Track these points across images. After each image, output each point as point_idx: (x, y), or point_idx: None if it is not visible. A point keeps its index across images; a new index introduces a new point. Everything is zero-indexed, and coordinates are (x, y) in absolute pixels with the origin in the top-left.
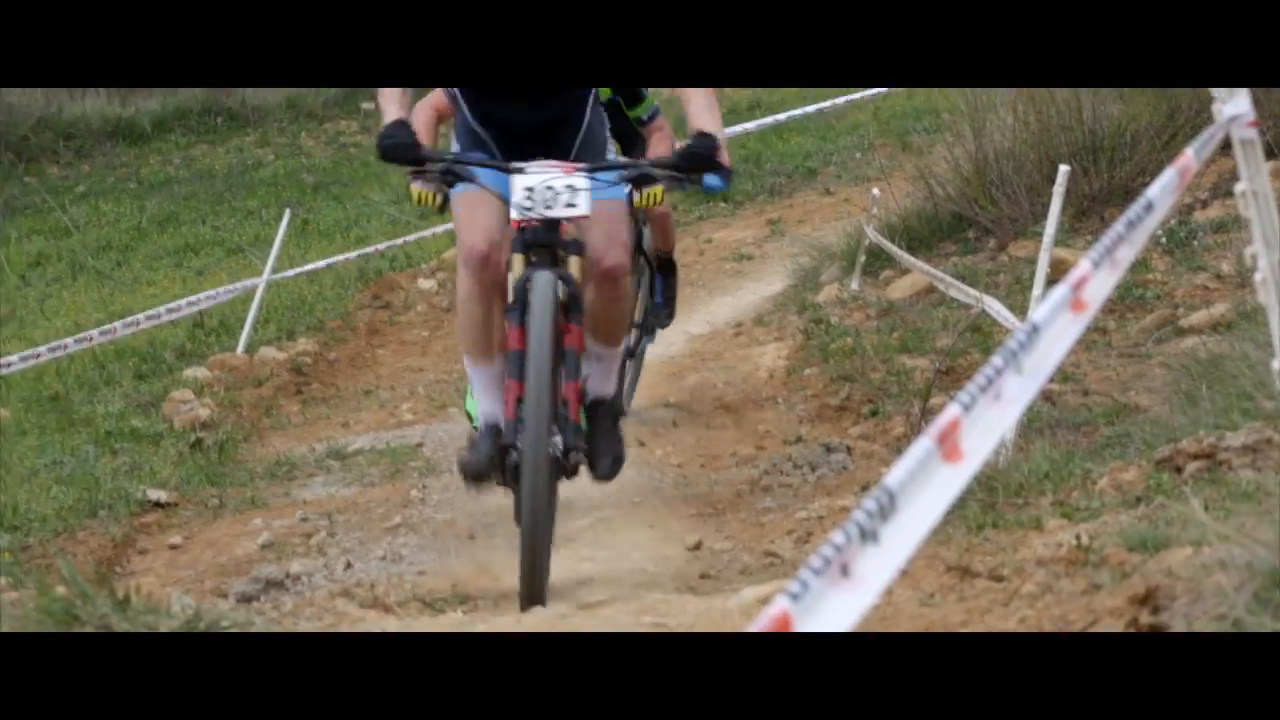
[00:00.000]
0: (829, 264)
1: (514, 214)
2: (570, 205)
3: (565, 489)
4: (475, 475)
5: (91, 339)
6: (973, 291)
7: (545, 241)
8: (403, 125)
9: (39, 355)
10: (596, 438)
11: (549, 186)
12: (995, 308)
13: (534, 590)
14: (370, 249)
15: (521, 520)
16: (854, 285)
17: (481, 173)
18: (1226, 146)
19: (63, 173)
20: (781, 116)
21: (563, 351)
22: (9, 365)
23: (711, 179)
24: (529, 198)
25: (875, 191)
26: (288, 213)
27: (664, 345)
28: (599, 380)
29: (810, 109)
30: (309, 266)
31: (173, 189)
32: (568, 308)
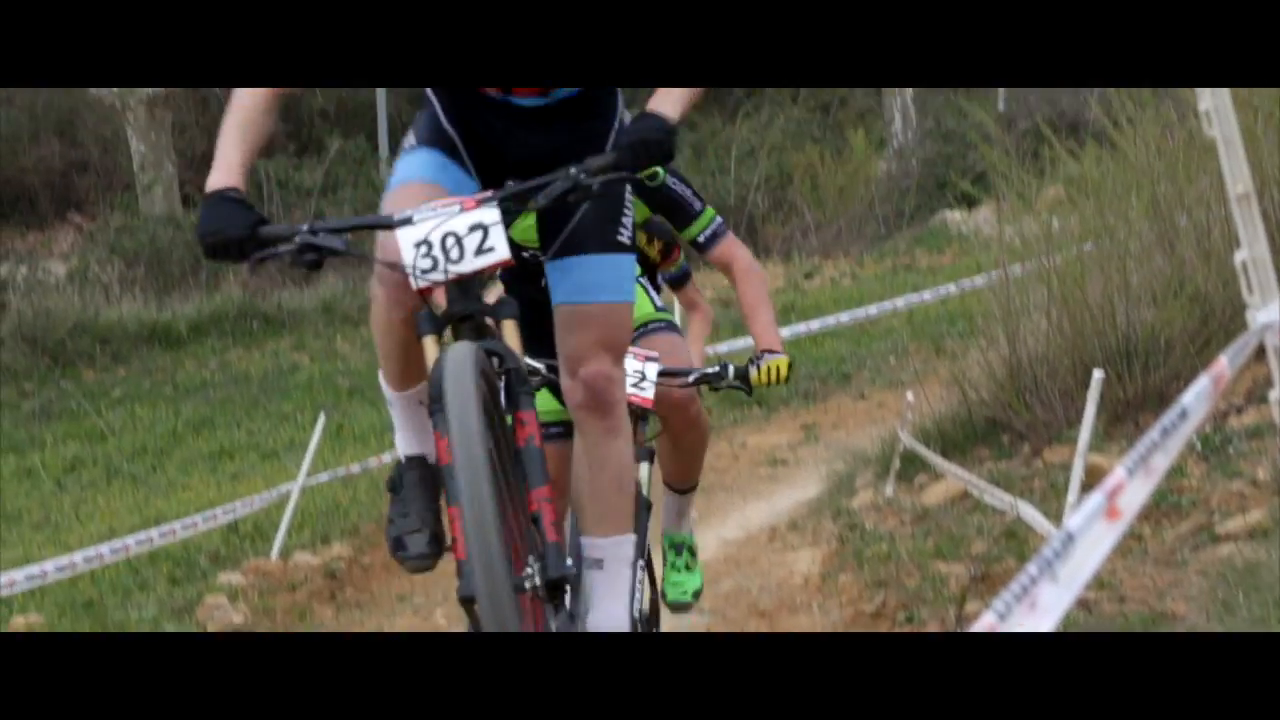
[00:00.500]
0: (863, 469)
1: (415, 283)
2: (484, 251)
3: None
4: (414, 569)
5: (128, 548)
6: (1007, 497)
7: (463, 311)
8: (226, 201)
9: (75, 565)
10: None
11: (449, 233)
12: (1030, 514)
13: None
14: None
15: None
16: (888, 490)
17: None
18: (1261, 353)
19: (99, 377)
20: (815, 324)
21: (516, 452)
22: (44, 576)
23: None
24: (427, 254)
25: (909, 396)
26: (322, 417)
27: (699, 550)
28: (604, 599)
29: (844, 316)
30: (343, 470)
31: (208, 393)
32: (511, 390)
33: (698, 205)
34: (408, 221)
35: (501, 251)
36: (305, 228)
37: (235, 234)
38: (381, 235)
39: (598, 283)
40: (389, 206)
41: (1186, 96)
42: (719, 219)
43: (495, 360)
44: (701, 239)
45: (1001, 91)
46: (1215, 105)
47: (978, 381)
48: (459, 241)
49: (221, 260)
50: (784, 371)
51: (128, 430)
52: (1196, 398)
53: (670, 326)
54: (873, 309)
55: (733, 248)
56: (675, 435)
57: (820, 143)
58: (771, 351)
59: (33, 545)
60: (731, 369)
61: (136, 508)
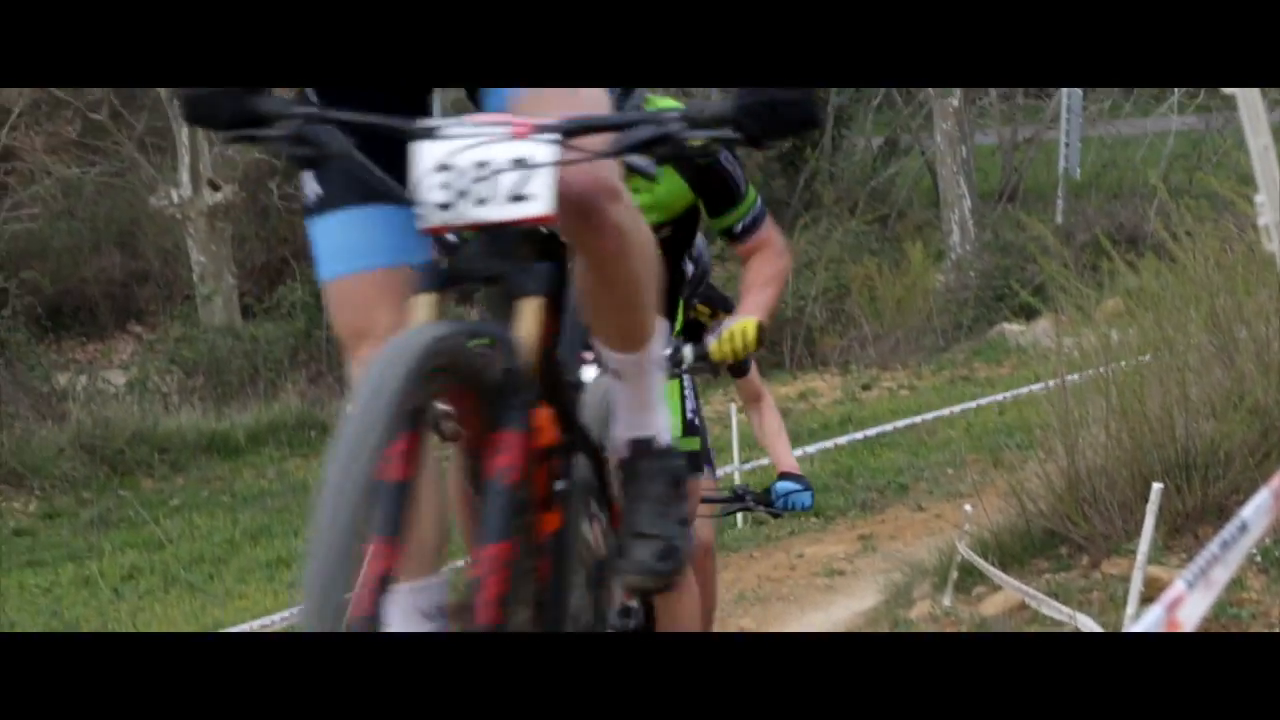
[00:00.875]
0: (921, 580)
1: (421, 220)
2: (520, 197)
3: None
4: None
5: None
6: (1066, 609)
7: (483, 270)
8: None
9: None
10: (634, 509)
11: (482, 161)
12: (1089, 626)
13: None
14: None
15: None
16: (946, 601)
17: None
18: None
19: (157, 485)
20: (872, 431)
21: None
22: None
23: (799, 495)
24: (445, 184)
25: (967, 507)
26: None
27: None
28: (629, 411)
29: (901, 423)
30: None
31: (265, 502)
32: (501, 399)
33: (744, 186)
34: (429, 134)
35: (542, 203)
36: (303, 111)
37: (221, 97)
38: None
39: None
40: (338, 308)
41: (1245, 210)
42: (760, 201)
43: (487, 354)
44: (740, 227)
45: (1060, 204)
46: (1275, 220)
47: (1036, 493)
48: (493, 178)
49: (201, 125)
50: (751, 335)
51: (185, 538)
52: (1257, 511)
53: (694, 463)
54: (929, 415)
55: (772, 231)
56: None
57: (878, 255)
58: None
59: None
60: (690, 351)
61: (193, 616)
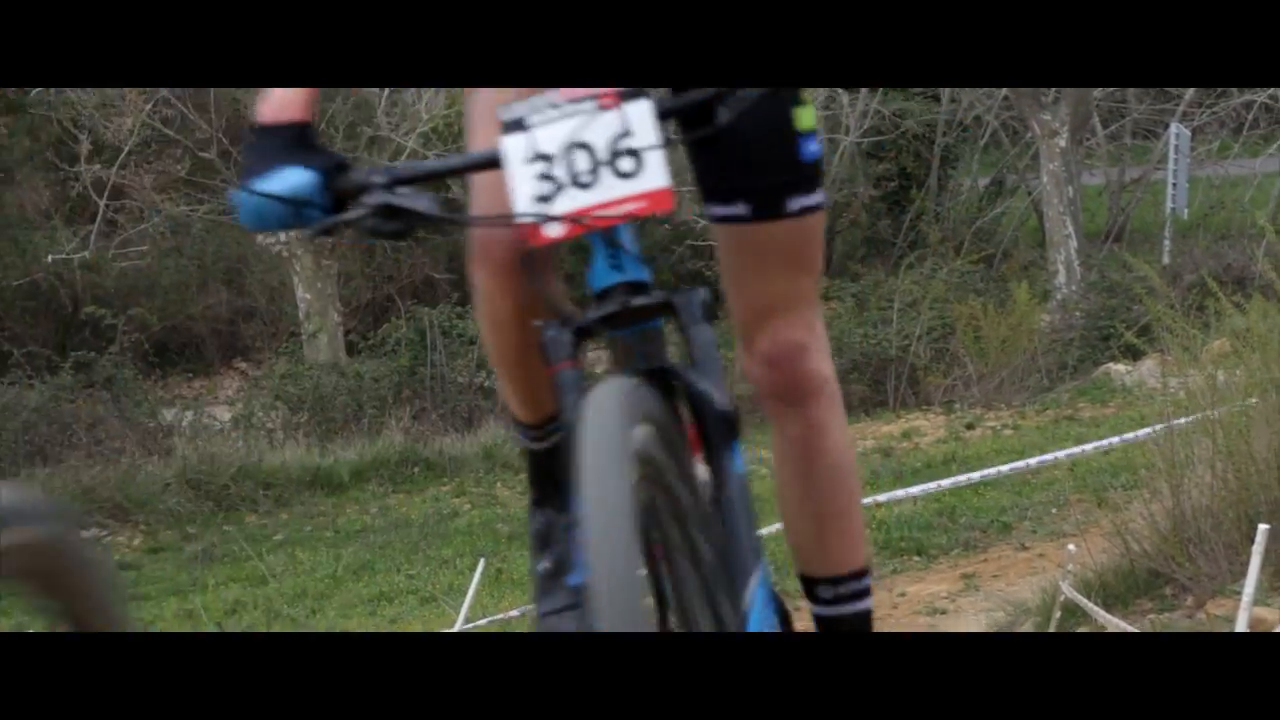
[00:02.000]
0: (1024, 619)
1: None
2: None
3: None
4: None
5: None
6: None
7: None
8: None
9: None
10: None
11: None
12: None
13: None
14: None
15: None
16: None
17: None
18: None
19: (261, 521)
20: (975, 475)
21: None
22: None
23: None
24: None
25: (1071, 547)
26: (482, 562)
27: None
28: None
29: (1004, 467)
30: (502, 615)
31: (368, 538)
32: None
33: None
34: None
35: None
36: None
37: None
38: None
39: None
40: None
41: None
42: None
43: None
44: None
45: (1166, 244)
46: None
47: (1140, 533)
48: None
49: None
50: None
51: (288, 574)
52: None
53: None
54: (1034, 460)
55: None
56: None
57: (983, 295)
58: None
59: None
60: None
61: None
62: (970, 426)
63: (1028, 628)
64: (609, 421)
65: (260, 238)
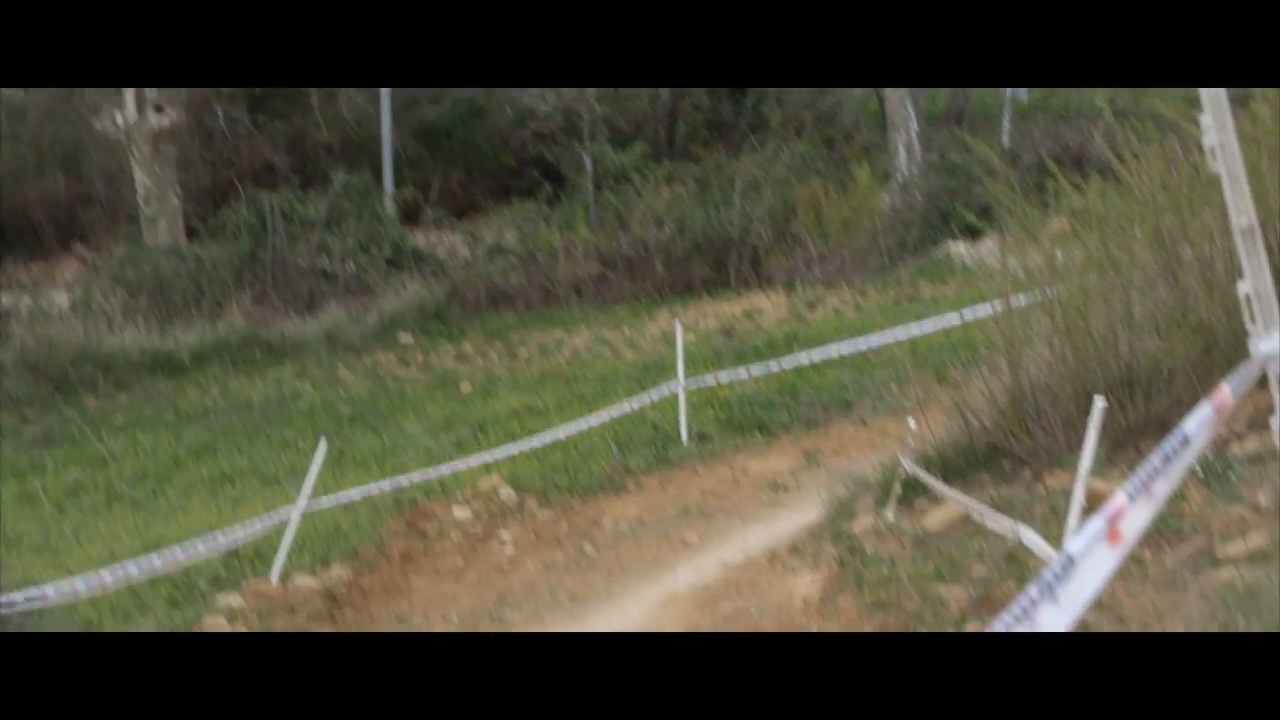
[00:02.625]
0: (864, 494)
1: None
2: None
3: None
4: None
5: (129, 574)
6: (1008, 522)
7: None
8: None
9: (76, 592)
10: None
11: None
12: (1031, 538)
13: None
14: (405, 478)
15: None
16: (889, 515)
17: None
18: (1263, 382)
19: (101, 404)
20: (817, 354)
21: None
22: (44, 598)
23: None
24: None
25: (911, 423)
26: (323, 442)
27: (697, 574)
28: None
29: (846, 346)
30: (344, 495)
31: (210, 420)
32: None
33: None
34: None
35: None
36: None
37: None
38: None
39: None
40: None
41: (1191, 130)
42: None
43: None
44: None
45: (1006, 126)
46: (1220, 141)
47: (980, 409)
48: None
49: None
50: None
51: (129, 456)
52: (1199, 424)
53: None
54: (875, 339)
55: None
56: None
57: (825, 176)
58: None
59: (33, 568)
60: None
61: (137, 532)
62: (812, 306)
63: (868, 502)
64: None
65: (96, 124)
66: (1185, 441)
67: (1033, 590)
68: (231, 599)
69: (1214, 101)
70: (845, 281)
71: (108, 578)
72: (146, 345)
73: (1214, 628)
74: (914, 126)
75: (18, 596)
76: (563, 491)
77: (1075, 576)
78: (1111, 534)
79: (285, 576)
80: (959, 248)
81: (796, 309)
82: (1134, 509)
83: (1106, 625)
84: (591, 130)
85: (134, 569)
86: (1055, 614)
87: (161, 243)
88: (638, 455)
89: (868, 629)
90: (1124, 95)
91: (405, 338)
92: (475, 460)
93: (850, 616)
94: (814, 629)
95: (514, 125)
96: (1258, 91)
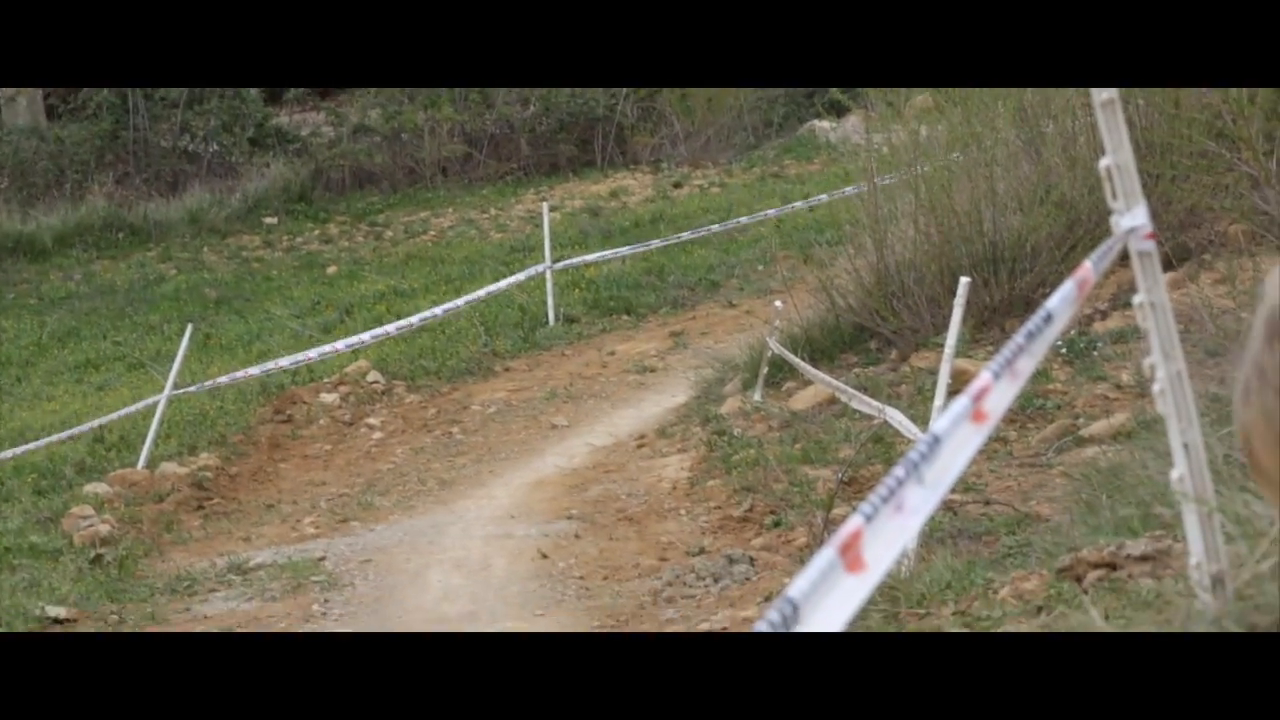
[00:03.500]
0: (731, 376)
1: None
2: None
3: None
4: None
5: None
6: (874, 403)
7: None
8: None
9: None
10: None
11: None
12: (897, 418)
13: None
14: (272, 364)
15: None
16: (756, 397)
17: None
18: (1125, 258)
19: None
20: (685, 234)
21: None
22: None
23: None
24: None
25: (778, 304)
26: (189, 327)
27: (566, 457)
28: None
29: (715, 227)
30: (211, 382)
31: (73, 304)
32: None
33: None
34: None
35: None
36: None
37: None
38: None
39: None
40: None
41: None
42: None
43: None
44: None
45: None
46: None
47: (845, 289)
48: None
49: None
50: None
51: None
52: (1061, 301)
53: None
54: (744, 219)
55: None
56: None
57: None
58: None
59: None
60: None
61: (1, 420)
62: (677, 185)
63: (736, 384)
64: None
65: None
66: (1049, 319)
67: (899, 471)
68: (98, 487)
69: None
70: (710, 160)
71: None
72: (8, 228)
73: (1078, 506)
74: None
75: None
76: (430, 376)
77: (941, 456)
78: (976, 413)
79: (153, 464)
80: (824, 125)
81: (663, 188)
82: (998, 388)
83: (973, 506)
84: None
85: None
86: (921, 494)
87: (21, 123)
88: (505, 338)
89: (735, 512)
90: None
91: (270, 220)
92: (342, 344)
93: (718, 499)
94: (681, 512)
95: None
96: None
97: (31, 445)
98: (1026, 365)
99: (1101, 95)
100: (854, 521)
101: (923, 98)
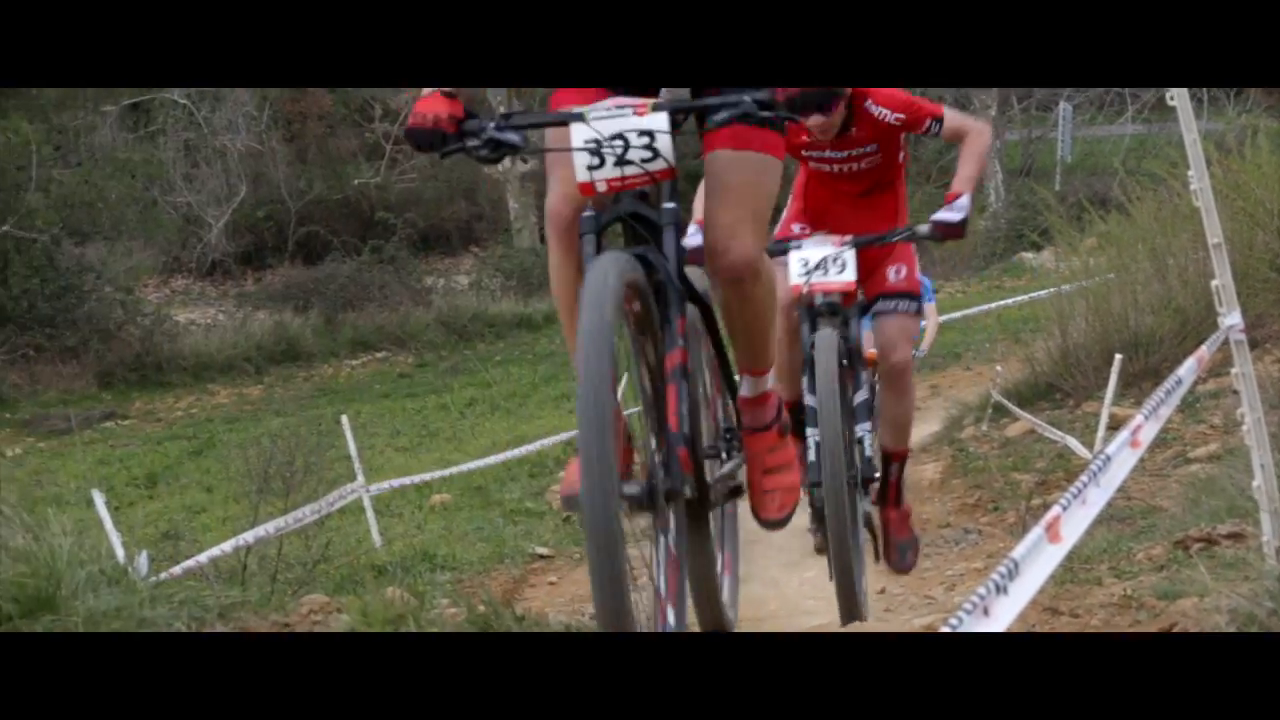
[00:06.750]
0: (968, 414)
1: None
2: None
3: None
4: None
5: (506, 458)
6: (1059, 433)
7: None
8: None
9: (473, 467)
10: None
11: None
12: (1073, 444)
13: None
14: None
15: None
16: (984, 428)
17: None
18: (1224, 344)
19: (487, 348)
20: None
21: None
22: (457, 468)
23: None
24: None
25: (998, 368)
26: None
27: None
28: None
29: (956, 316)
30: None
31: (555, 359)
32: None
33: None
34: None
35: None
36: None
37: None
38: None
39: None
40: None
41: (1173, 184)
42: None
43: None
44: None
45: (1058, 178)
46: (1200, 186)
47: (1040, 360)
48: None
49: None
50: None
51: (504, 381)
52: (1188, 370)
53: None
54: (973, 310)
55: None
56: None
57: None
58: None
59: (445, 451)
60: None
61: (510, 429)
62: (935, 291)
63: (971, 419)
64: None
65: (485, 168)
66: (1179, 382)
67: (1084, 477)
68: None
69: (1197, 160)
70: (957, 277)
71: (494, 459)
72: (515, 310)
73: (1186, 503)
74: (1000, 177)
75: (438, 472)
76: None
77: (1111, 469)
78: (1133, 442)
79: None
80: (1028, 255)
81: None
82: (1148, 425)
83: (1120, 500)
84: None
85: (508, 453)
86: (1098, 493)
87: (524, 245)
88: None
89: (969, 501)
90: (1133, 159)
91: None
92: None
93: (958, 492)
94: (935, 500)
95: None
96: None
97: (528, 447)
98: (1164, 412)
99: (1212, 240)
100: (1054, 510)
101: (1091, 240)
